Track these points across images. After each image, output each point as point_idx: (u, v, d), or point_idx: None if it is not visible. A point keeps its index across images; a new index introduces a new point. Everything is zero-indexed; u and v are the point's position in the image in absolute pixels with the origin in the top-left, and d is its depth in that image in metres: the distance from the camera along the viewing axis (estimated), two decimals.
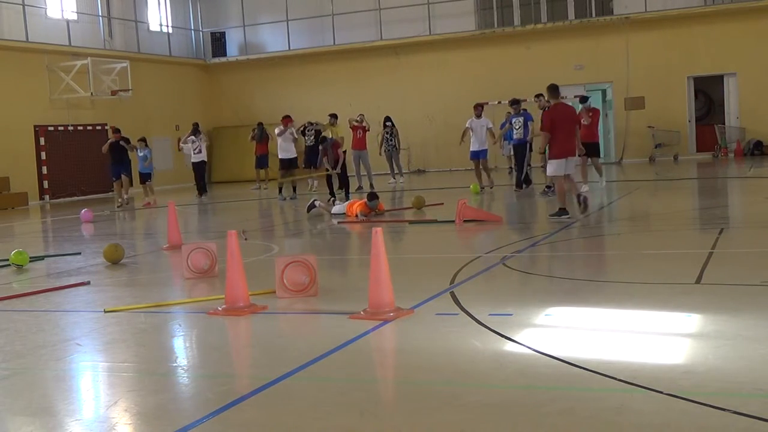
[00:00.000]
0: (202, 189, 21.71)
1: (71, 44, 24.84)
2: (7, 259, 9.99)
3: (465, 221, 11.83)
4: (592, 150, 15.99)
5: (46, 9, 24.45)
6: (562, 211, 11.61)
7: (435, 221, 12.72)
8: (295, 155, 20.04)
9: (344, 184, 17.76)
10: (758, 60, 24.52)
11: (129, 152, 19.87)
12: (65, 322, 6.86)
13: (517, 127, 17.07)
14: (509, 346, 5.13)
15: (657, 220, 12.07)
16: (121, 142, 19.63)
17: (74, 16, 25.49)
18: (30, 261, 10.06)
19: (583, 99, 17.27)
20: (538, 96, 16.14)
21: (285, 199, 18.92)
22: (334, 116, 20.47)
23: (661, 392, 4.03)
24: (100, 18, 26.47)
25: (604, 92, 27.79)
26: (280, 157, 19.86)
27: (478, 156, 17.81)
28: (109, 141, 20.01)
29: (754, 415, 3.68)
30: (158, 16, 29.40)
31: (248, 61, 30.21)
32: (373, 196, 13.79)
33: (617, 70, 25.79)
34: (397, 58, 28.29)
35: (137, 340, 6.04)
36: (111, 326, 6.39)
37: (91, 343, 5.99)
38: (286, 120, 19.99)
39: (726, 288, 6.60)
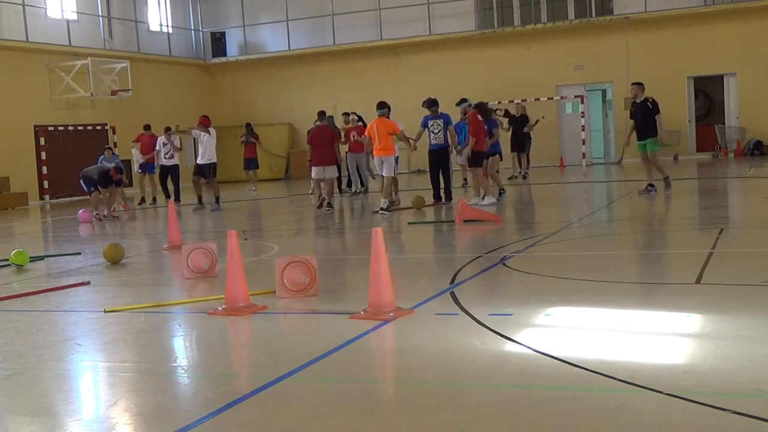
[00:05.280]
0: (174, 193, 19.32)
1: (71, 44, 24.84)
2: (7, 259, 9.99)
3: (465, 221, 11.84)
4: (472, 159, 14.51)
5: (46, 9, 24.45)
6: (329, 206, 15.17)
7: (434, 221, 12.72)
8: (213, 161, 17.13)
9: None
10: (758, 60, 24.51)
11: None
12: (65, 322, 6.85)
13: (435, 131, 15.10)
14: (509, 346, 5.12)
15: (657, 220, 12.07)
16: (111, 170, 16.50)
17: (74, 16, 25.49)
18: (30, 261, 10.06)
19: (460, 102, 15.51)
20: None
21: (202, 209, 17.02)
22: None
23: (661, 392, 4.03)
24: (100, 18, 26.47)
25: (604, 92, 27.79)
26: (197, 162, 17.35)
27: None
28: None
29: (754, 415, 3.68)
30: (158, 16, 29.39)
31: (248, 61, 30.20)
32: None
33: (617, 70, 25.77)
34: (397, 58, 28.29)
35: (137, 340, 6.03)
36: (111, 326, 6.39)
37: (91, 343, 5.98)
38: (204, 120, 17.24)
39: (726, 288, 6.59)
